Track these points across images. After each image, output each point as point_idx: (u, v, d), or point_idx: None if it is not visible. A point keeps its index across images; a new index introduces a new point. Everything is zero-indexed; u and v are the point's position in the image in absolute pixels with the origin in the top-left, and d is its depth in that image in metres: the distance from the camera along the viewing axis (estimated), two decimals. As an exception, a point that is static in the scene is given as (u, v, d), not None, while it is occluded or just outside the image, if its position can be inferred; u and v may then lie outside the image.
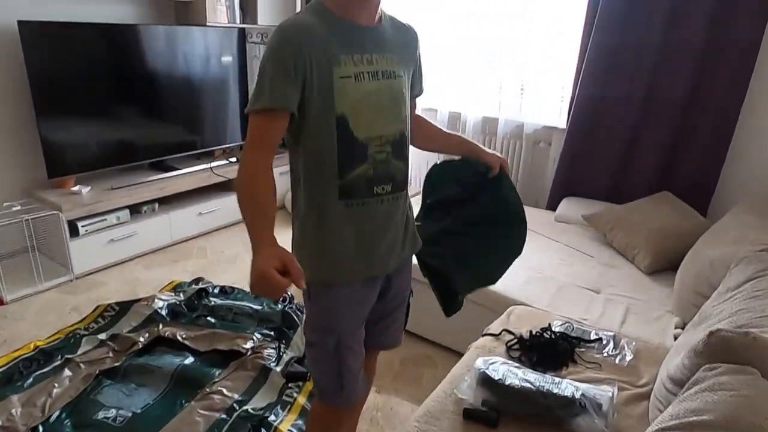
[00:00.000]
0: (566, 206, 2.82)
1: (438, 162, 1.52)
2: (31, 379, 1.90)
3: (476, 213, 1.46)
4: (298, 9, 3.69)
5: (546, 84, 3.03)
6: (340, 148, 1.09)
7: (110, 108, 2.89)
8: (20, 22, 2.41)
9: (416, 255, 1.40)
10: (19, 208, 2.53)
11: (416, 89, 1.30)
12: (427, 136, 1.43)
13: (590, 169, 2.85)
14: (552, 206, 2.94)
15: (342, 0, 1.07)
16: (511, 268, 2.13)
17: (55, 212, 2.54)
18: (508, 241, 1.48)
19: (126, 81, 2.93)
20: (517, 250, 1.48)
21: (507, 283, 2.04)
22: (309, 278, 1.21)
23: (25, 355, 2.03)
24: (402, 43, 1.18)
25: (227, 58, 3.44)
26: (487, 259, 1.49)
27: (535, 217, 2.76)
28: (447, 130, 1.46)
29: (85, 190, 2.77)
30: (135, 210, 2.94)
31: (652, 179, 2.68)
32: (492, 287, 2.01)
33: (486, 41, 3.12)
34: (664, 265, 2.21)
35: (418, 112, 1.40)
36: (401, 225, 1.26)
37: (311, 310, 1.24)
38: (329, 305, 1.20)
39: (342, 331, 1.21)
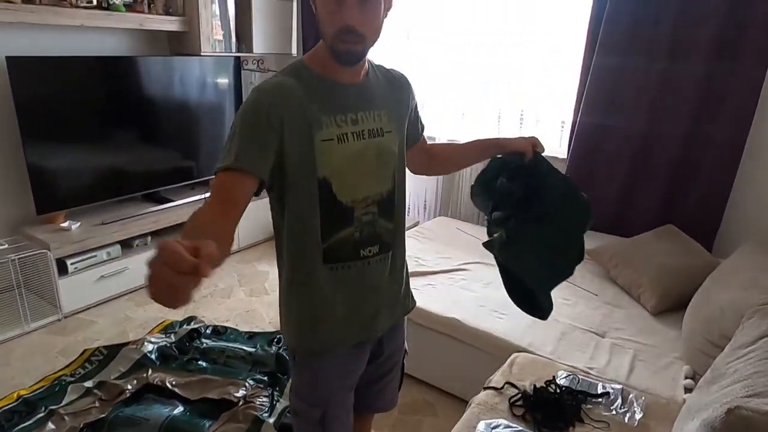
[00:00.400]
0: (568, 239, 2.75)
1: (473, 182, 1.41)
2: (11, 435, 1.81)
3: (536, 205, 1.32)
4: (294, 37, 3.66)
5: (545, 113, 2.99)
6: (323, 211, 1.04)
7: (100, 141, 2.84)
8: (8, 58, 2.36)
9: (498, 263, 1.30)
10: (6, 246, 2.47)
11: (417, 132, 1.28)
12: (447, 158, 1.39)
13: (592, 200, 2.76)
14: (553, 238, 2.87)
15: (322, 59, 1.02)
16: (514, 308, 2.06)
17: (43, 250, 2.47)
18: (570, 227, 1.35)
19: (117, 112, 2.89)
20: (582, 229, 1.36)
21: (509, 327, 1.98)
22: (294, 345, 1.15)
23: (7, 406, 1.94)
24: (393, 96, 1.14)
25: (223, 86, 3.41)
26: (560, 251, 1.35)
27: (536, 250, 2.69)
28: (463, 142, 1.39)
29: (75, 225, 2.70)
30: (126, 244, 2.87)
31: (655, 211, 2.62)
32: (494, 331, 1.96)
33: (483, 69, 3.08)
34: (670, 305, 2.13)
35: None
36: (393, 285, 1.21)
37: (296, 377, 1.18)
38: (315, 374, 1.15)
39: (329, 401, 1.15)
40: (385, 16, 1.01)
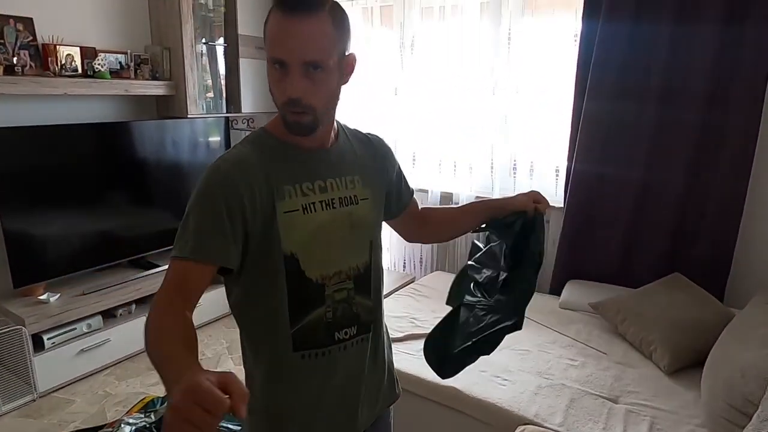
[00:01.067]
0: (571, 291, 2.63)
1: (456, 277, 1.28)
2: None
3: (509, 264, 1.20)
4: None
5: (538, 161, 2.93)
6: (290, 291, 0.93)
7: (84, 208, 2.77)
8: (-13, 129, 2.33)
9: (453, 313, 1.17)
10: (-22, 323, 2.34)
11: (406, 197, 1.21)
12: (442, 222, 1.28)
13: (593, 250, 2.68)
14: (555, 290, 2.74)
15: (282, 126, 0.94)
16: (518, 373, 1.91)
17: (18, 327, 2.34)
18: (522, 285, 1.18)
19: (103, 178, 2.84)
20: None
21: (513, 395, 1.83)
22: None
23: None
24: (368, 162, 1.06)
25: (213, 146, 3.38)
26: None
27: (538, 304, 2.54)
28: (460, 205, 1.30)
29: (54, 297, 2.58)
30: (109, 314, 2.74)
31: (660, 260, 2.50)
32: (497, 401, 1.80)
33: (473, 117, 3.04)
34: (685, 363, 1.98)
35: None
36: (376, 372, 1.09)
37: None
38: None
39: None
40: (345, 82, 0.94)
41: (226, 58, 3.37)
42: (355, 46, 0.95)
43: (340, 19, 0.87)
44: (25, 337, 2.34)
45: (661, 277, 2.39)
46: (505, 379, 1.93)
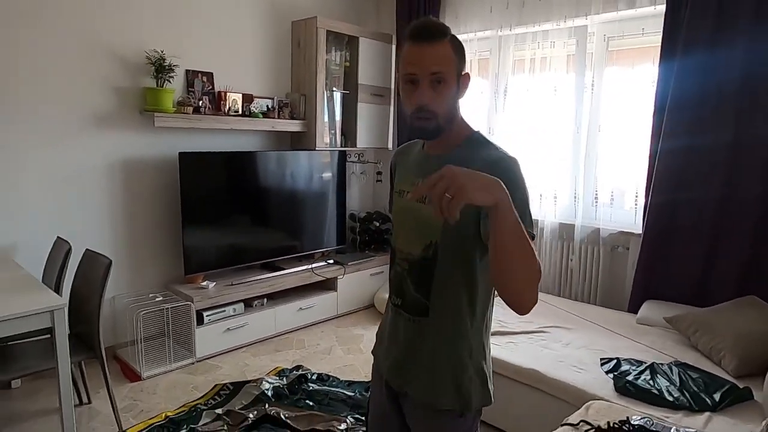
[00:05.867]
0: (648, 309, 2.87)
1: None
2: (163, 444, 2.23)
3: None
4: (391, 135, 4.31)
5: (619, 191, 3.24)
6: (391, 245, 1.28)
7: (232, 219, 3.50)
8: (180, 154, 3.12)
9: None
10: (161, 298, 3.07)
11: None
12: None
13: (670, 273, 2.91)
14: (633, 309, 2.99)
15: None
16: (591, 365, 2.25)
17: (188, 303, 3.04)
18: None
19: (245, 196, 3.56)
20: None
21: (587, 379, 2.15)
22: None
23: (158, 423, 2.39)
24: None
25: (327, 175, 4.03)
26: None
27: (616, 319, 2.84)
28: None
29: (211, 285, 3.29)
30: (248, 304, 3.40)
31: (736, 283, 2.69)
32: (572, 382, 2.13)
33: (558, 153, 3.43)
34: (752, 369, 2.18)
35: None
36: (417, 359, 1.19)
37: None
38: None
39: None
40: (461, 95, 1.14)
41: (344, 102, 4.08)
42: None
43: (457, 45, 1.11)
44: (193, 312, 3.04)
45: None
46: (580, 368, 2.25)
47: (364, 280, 4.06)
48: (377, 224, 4.33)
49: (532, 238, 0.97)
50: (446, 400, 1.15)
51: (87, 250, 2.51)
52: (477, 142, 1.16)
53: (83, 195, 2.98)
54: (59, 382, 2.02)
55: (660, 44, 2.86)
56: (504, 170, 1.02)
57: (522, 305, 0.97)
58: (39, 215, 2.83)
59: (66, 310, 2.01)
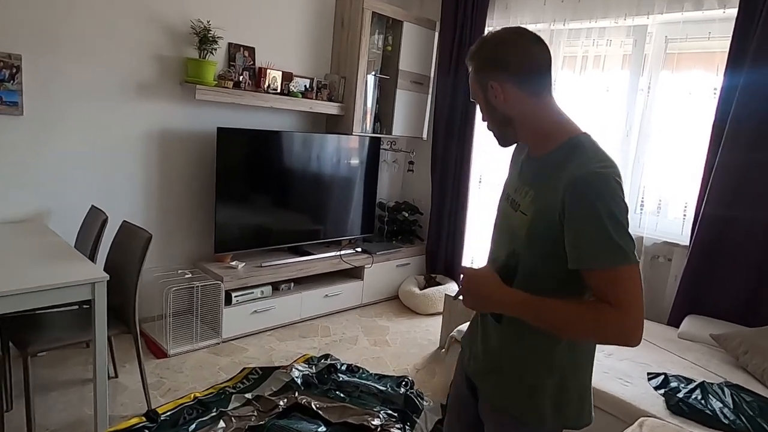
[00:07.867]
0: (690, 324, 2.78)
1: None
2: (194, 425, 2.18)
3: None
4: (426, 124, 4.20)
5: (667, 200, 3.13)
6: None
7: (264, 199, 3.43)
8: (219, 129, 3.03)
9: None
10: (190, 275, 3.01)
11: (571, 257, 0.99)
12: None
13: (716, 289, 2.82)
14: (674, 323, 2.90)
15: None
16: (638, 378, 2.17)
17: (217, 282, 2.98)
18: None
19: (279, 177, 3.47)
20: None
21: (635, 393, 2.07)
22: None
23: (187, 404, 2.33)
24: (545, 182, 1.07)
25: (358, 161, 3.93)
26: None
27: (657, 331, 2.75)
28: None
29: (240, 265, 3.22)
30: (275, 287, 3.33)
31: (787, 304, 2.60)
32: (620, 395, 2.06)
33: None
34: (809, 397, 2.10)
35: None
36: (486, 355, 1.23)
37: None
38: None
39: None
40: (503, 104, 1.09)
41: (381, 87, 3.97)
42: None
43: (480, 61, 1.10)
44: (222, 292, 2.97)
45: (788, 320, 2.49)
46: (627, 381, 2.17)
47: (391, 270, 3.99)
48: (405, 215, 4.24)
49: (608, 266, 0.98)
50: (513, 407, 1.16)
51: (125, 221, 2.44)
52: (573, 147, 1.07)
53: (119, 163, 2.90)
54: (95, 355, 1.97)
55: (727, 51, 2.73)
56: (579, 196, 0.97)
57: (619, 344, 0.97)
58: (74, 181, 2.75)
59: (106, 283, 1.94)
